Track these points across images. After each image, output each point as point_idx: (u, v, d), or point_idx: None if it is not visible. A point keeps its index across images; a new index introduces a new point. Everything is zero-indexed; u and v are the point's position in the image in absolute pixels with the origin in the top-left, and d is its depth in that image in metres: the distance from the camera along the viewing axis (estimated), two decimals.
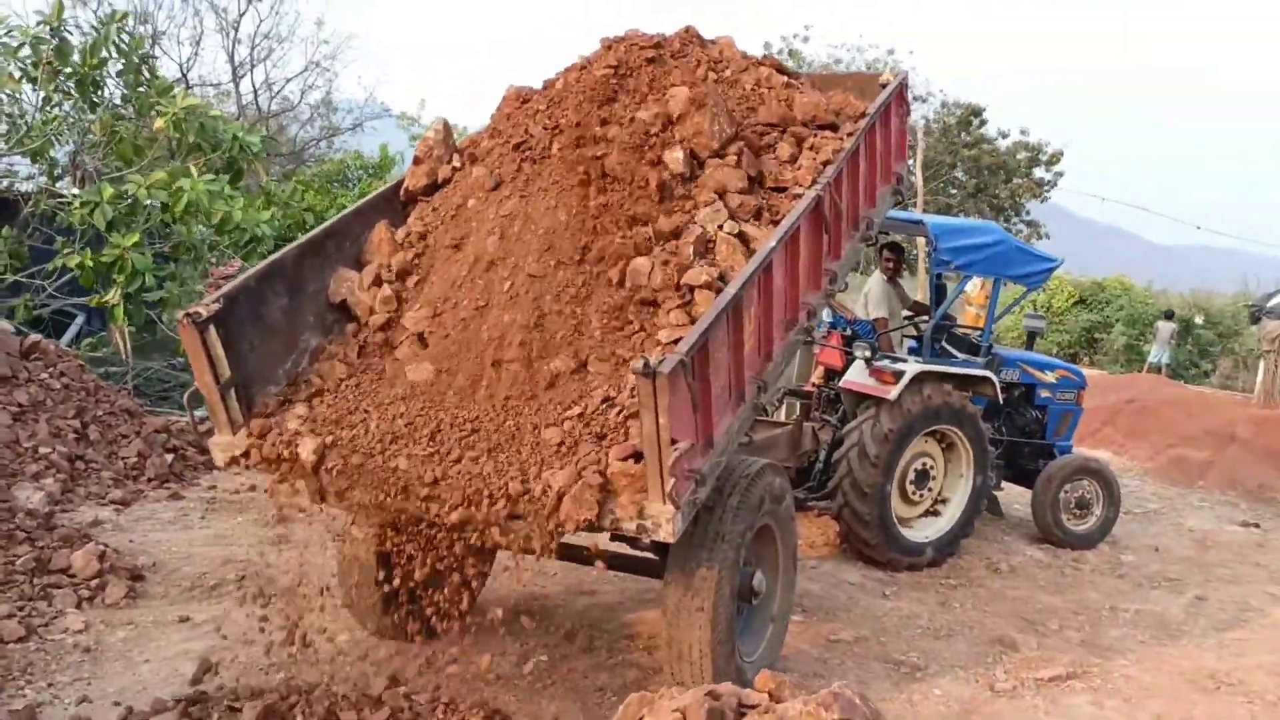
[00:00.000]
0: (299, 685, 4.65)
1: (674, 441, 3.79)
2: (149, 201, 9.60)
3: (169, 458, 8.06)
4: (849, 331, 8.28)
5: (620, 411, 4.15)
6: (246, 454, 4.43)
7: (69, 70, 9.95)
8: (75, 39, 10.12)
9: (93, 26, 10.51)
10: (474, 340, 4.56)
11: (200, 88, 20.97)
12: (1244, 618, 7.13)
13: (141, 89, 10.53)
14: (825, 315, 8.09)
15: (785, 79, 5.78)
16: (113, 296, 9.48)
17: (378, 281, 5.05)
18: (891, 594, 6.96)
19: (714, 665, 4.43)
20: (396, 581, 4.66)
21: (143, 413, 8.63)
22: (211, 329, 4.32)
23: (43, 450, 7.13)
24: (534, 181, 5.03)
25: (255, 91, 22.69)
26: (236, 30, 21.92)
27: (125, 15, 10.65)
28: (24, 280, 10.02)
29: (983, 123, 29.65)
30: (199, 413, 4.82)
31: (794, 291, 5.01)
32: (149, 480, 7.73)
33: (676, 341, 4.13)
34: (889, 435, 7.17)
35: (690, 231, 4.71)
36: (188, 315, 4.29)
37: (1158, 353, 21.49)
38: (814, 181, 5.12)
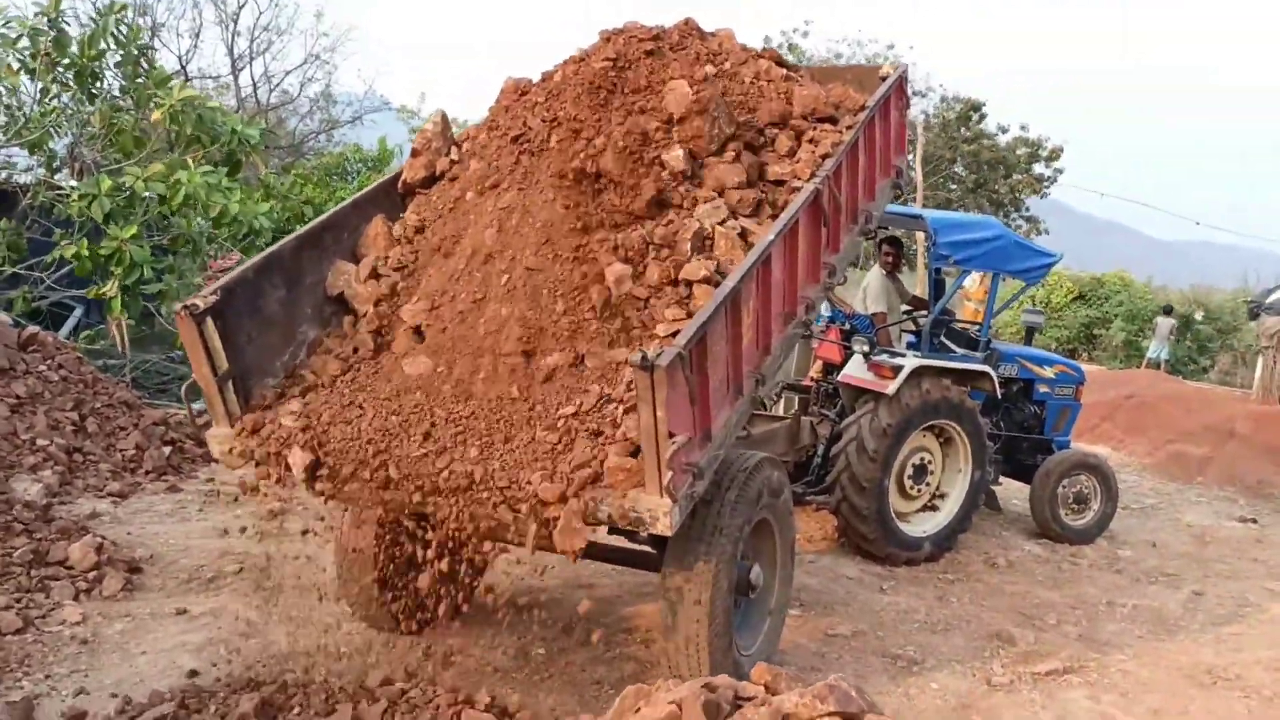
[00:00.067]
0: (296, 677, 4.66)
1: (672, 435, 3.78)
2: (147, 194, 9.59)
3: (167, 450, 8.06)
4: (848, 326, 8.28)
5: (617, 406, 4.15)
6: (241, 455, 4.43)
7: (67, 62, 9.93)
8: (73, 30, 10.11)
9: (91, 18, 10.49)
10: (471, 334, 4.55)
11: (199, 80, 20.97)
12: (1241, 613, 7.14)
13: (140, 80, 10.51)
14: (824, 309, 8.09)
15: (785, 71, 5.76)
16: (110, 289, 9.47)
17: (374, 275, 5.04)
18: (889, 588, 6.96)
19: (711, 658, 4.43)
20: (393, 574, 4.67)
21: (141, 405, 8.63)
22: (209, 321, 4.32)
23: (40, 442, 7.13)
24: (532, 174, 5.01)
25: (254, 84, 22.73)
26: (236, 22, 21.95)
27: (124, 7, 10.61)
28: (22, 272, 10.02)
29: (982, 117, 29.62)
30: (197, 405, 4.82)
31: (792, 285, 5.00)
32: (147, 473, 7.72)
33: (674, 335, 4.12)
34: (887, 430, 7.17)
35: (688, 227, 4.70)
36: (185, 307, 4.28)
37: (1157, 348, 21.49)
38: (813, 175, 5.10)
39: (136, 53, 10.56)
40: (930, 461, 7.68)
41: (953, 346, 8.48)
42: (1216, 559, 8.53)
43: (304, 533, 5.14)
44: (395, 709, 4.40)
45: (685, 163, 4.89)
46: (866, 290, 8.49)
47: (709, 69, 5.34)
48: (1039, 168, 29.91)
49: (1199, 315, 24.81)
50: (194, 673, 4.74)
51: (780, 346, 4.95)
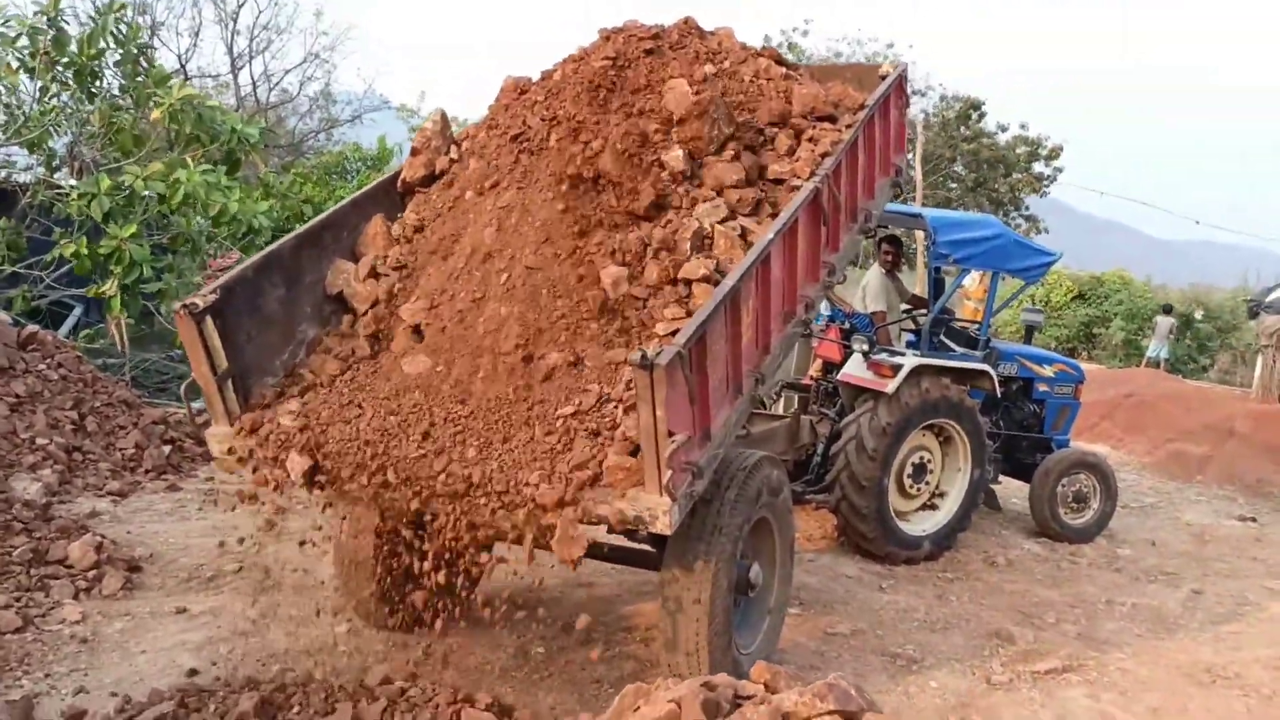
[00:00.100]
0: (296, 676, 4.66)
1: (671, 434, 3.78)
2: (146, 193, 9.59)
3: (166, 449, 8.06)
4: (847, 325, 8.28)
5: (616, 406, 4.15)
6: (239, 456, 4.43)
7: (66, 60, 9.93)
8: (73, 29, 10.11)
9: (90, 17, 10.49)
10: (470, 333, 4.55)
11: (199, 79, 20.95)
12: (1241, 612, 7.14)
13: (139, 79, 10.51)
14: (823, 308, 8.09)
15: (784, 70, 5.76)
16: (110, 288, 9.48)
17: (373, 274, 5.04)
18: (888, 587, 6.96)
19: (711, 657, 4.43)
20: (393, 573, 4.66)
21: (140, 404, 8.63)
22: (208, 320, 4.32)
23: (40, 441, 7.13)
24: (531, 173, 5.01)
25: (254, 83, 22.69)
26: (235, 21, 21.92)
27: (123, 5, 10.62)
28: (22, 271, 10.03)
29: (981, 116, 29.60)
30: (196, 404, 4.82)
31: (792, 284, 5.00)
32: (146, 471, 7.72)
33: (674, 334, 4.12)
34: (887, 429, 7.17)
35: (687, 227, 4.70)
36: (185, 306, 4.28)
37: (1156, 347, 21.49)
38: (812, 173, 5.10)
39: (136, 51, 10.56)
40: (930, 460, 7.68)
41: (952, 345, 8.48)
42: (1216, 558, 8.53)
43: (301, 544, 5.14)
44: (395, 708, 4.40)
45: (685, 163, 4.89)
46: (866, 289, 8.48)
47: (708, 68, 5.34)
48: (1039, 167, 29.89)
49: (1198, 314, 24.81)
50: (193, 671, 4.74)
51: (780, 345, 4.95)
